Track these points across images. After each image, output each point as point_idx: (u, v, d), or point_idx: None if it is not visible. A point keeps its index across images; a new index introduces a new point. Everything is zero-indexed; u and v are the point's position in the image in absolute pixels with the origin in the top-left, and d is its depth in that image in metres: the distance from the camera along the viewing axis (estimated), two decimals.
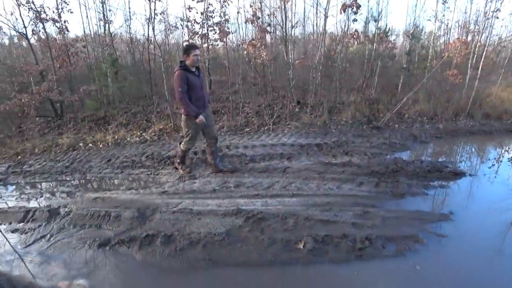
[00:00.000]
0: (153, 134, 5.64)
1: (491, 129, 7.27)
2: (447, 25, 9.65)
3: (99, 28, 7.19)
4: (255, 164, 4.06)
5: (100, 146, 5.26)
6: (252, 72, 6.92)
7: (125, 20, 7.66)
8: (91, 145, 5.32)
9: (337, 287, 2.19)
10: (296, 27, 7.40)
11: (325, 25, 6.48)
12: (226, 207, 2.97)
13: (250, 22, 6.06)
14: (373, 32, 9.35)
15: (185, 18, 7.19)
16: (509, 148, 5.98)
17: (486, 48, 11.75)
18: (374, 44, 8.28)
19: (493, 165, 4.75)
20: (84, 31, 7.54)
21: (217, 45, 7.96)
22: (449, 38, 10.00)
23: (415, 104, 7.50)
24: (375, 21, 9.59)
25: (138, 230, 2.69)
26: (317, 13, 6.01)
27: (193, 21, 6.73)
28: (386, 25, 9.48)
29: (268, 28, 6.45)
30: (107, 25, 6.95)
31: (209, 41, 7.07)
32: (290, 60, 6.45)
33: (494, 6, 10.99)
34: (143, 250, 2.43)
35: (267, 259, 2.31)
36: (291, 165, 3.92)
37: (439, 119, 7.29)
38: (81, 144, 5.32)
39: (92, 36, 7.57)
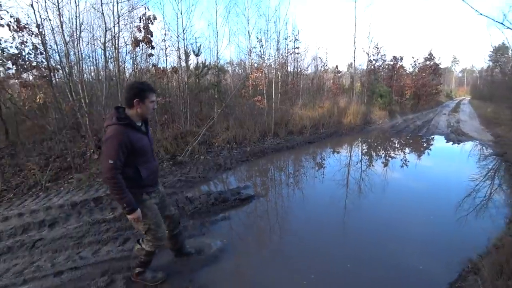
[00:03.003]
0: None
1: (293, 143, 8.74)
2: (263, 59, 11.16)
3: None
4: None
5: None
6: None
7: None
8: None
9: None
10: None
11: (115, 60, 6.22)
12: None
13: (12, 63, 5.01)
14: (194, 66, 9.93)
15: None
16: (304, 159, 7.23)
17: (291, 77, 14.59)
18: (186, 77, 8.68)
19: (283, 182, 5.42)
20: None
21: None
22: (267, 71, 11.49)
23: (226, 132, 8.18)
24: (196, 55, 10.21)
25: None
26: (105, 48, 5.55)
27: None
28: (206, 59, 10.21)
29: None
30: None
31: None
32: (82, 100, 5.78)
33: (293, 45, 13.94)
34: None
35: None
36: (45, 235, 3.27)
37: (248, 143, 8.17)
38: None
39: None
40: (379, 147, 8.68)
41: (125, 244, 3.12)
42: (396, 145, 8.92)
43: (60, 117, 5.68)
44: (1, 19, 4.88)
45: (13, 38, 5.12)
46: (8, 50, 5.12)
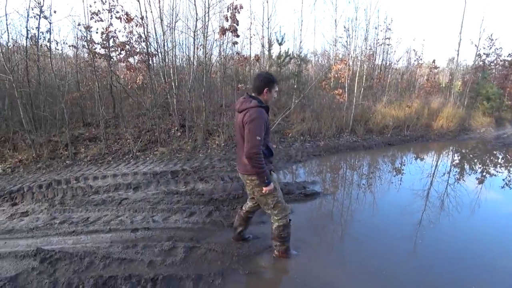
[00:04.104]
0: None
1: (371, 143, 8.09)
2: (349, 50, 10.58)
3: None
4: (96, 196, 3.86)
5: None
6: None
7: None
8: None
9: None
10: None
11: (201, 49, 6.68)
12: (31, 248, 2.74)
13: (121, 49, 5.88)
14: (277, 55, 10.03)
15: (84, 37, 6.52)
16: (381, 162, 6.64)
17: (377, 71, 13.43)
18: (267, 65, 8.82)
19: (354, 183, 5.05)
20: None
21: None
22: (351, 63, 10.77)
23: (301, 124, 8.04)
24: (280, 44, 10.31)
25: None
26: (194, 36, 6.05)
27: (89, 42, 6.06)
28: (288, 48, 10.23)
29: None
30: None
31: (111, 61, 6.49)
32: (172, 83, 6.44)
33: (384, 35, 12.80)
34: None
35: None
36: (130, 196, 3.81)
37: (322, 137, 7.90)
38: None
39: None
40: (475, 160, 7.29)
41: (191, 217, 3.39)
42: (499, 160, 7.34)
43: (153, 96, 6.49)
44: (117, 12, 5.79)
45: (124, 28, 6.01)
46: (118, 38, 6.02)
